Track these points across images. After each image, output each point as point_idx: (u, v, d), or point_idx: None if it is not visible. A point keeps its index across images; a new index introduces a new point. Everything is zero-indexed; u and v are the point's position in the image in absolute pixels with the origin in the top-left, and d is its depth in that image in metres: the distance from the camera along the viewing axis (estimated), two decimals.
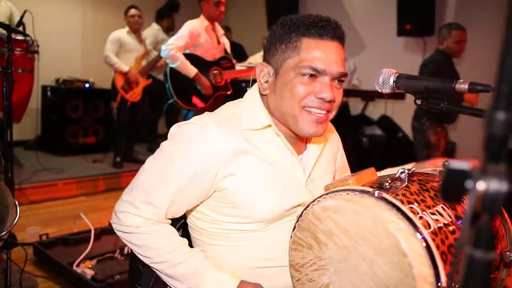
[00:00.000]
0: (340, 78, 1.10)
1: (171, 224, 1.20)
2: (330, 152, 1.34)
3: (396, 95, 4.96)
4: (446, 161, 1.12)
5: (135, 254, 1.19)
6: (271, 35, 1.15)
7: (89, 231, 2.68)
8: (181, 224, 1.28)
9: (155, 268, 1.15)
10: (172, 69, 3.75)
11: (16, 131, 5.26)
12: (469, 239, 0.47)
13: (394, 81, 1.11)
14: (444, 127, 3.74)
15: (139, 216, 1.13)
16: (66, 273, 2.38)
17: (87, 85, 5.79)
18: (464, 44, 3.75)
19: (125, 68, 4.83)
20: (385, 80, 1.12)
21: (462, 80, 1.02)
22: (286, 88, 1.09)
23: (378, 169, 1.25)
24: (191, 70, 3.64)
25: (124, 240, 1.18)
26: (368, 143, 5.52)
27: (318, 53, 1.05)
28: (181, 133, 1.12)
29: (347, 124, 5.36)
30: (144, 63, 5.02)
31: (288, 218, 1.16)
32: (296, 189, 1.16)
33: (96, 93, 5.83)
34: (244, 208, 1.12)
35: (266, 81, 1.14)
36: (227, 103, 1.23)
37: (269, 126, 1.15)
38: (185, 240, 1.18)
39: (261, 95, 1.18)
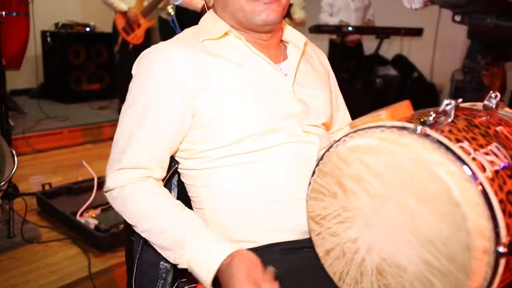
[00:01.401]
0: None
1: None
2: (315, 59, 1.23)
3: (413, 31, 4.65)
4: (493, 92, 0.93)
5: None
6: None
7: (93, 179, 2.58)
8: (174, 171, 1.14)
9: (146, 238, 1.02)
10: (178, 13, 3.46)
11: (19, 79, 5.12)
12: None
13: None
14: (502, 67, 3.25)
15: (126, 170, 1.02)
16: (69, 222, 2.29)
17: (87, 29, 5.55)
18: None
19: (123, 7, 4.57)
20: None
21: None
22: None
23: None
24: (197, 2, 3.37)
25: (117, 210, 1.05)
26: (382, 84, 5.27)
27: None
28: (139, 67, 1.06)
29: (360, 64, 5.09)
30: (145, 3, 4.75)
31: (283, 136, 1.04)
32: (282, 95, 1.06)
33: (98, 38, 5.59)
34: (228, 125, 1.01)
35: None
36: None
37: (229, 32, 1.07)
38: (172, 202, 1.02)
39: (214, 11, 1.13)
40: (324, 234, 0.86)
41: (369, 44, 5.26)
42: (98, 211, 2.35)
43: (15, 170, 2.11)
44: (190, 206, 1.14)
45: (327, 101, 1.17)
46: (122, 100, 4.49)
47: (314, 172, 0.86)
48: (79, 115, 4.70)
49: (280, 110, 1.04)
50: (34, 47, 4.44)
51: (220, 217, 1.06)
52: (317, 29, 4.63)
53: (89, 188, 2.59)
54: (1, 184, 2.05)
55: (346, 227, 0.81)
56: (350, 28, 4.57)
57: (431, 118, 0.72)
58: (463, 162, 0.66)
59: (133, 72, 1.06)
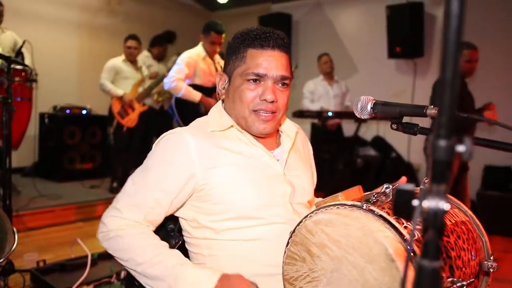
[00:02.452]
0: (283, 81, 1.25)
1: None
2: (303, 148, 1.46)
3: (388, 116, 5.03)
4: (426, 178, 1.15)
5: (131, 279, 1.24)
6: (227, 48, 1.32)
7: (86, 256, 2.69)
8: (179, 246, 1.31)
9: (136, 271, 1.18)
10: (177, 102, 3.84)
11: (13, 158, 5.28)
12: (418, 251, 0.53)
13: (371, 108, 1.17)
14: None
15: (122, 218, 1.21)
16: None
17: (84, 111, 5.85)
18: (475, 64, 3.68)
19: (119, 92, 4.92)
20: (363, 107, 1.18)
21: (432, 106, 1.06)
22: (236, 93, 1.25)
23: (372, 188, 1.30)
24: (195, 95, 3.75)
25: (108, 249, 1.23)
26: (362, 164, 5.59)
27: (260, 60, 1.22)
28: (160, 143, 1.26)
29: (341, 145, 5.44)
30: (140, 89, 5.10)
31: (275, 214, 1.22)
32: (274, 177, 1.26)
33: (93, 120, 5.89)
34: (227, 201, 1.20)
35: (224, 88, 1.32)
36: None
37: (232, 126, 1.27)
38: (163, 242, 1.22)
39: (222, 102, 1.35)
40: None
41: (348, 127, 5.66)
42: (91, 287, 2.45)
43: (15, 247, 2.24)
44: None
45: (310, 181, 1.41)
46: (114, 178, 4.70)
47: (288, 243, 1.07)
48: (71, 194, 4.84)
49: (272, 189, 1.25)
50: (33, 128, 4.67)
51: None
52: (300, 114, 5.01)
53: (82, 265, 2.70)
54: (1, 260, 2.16)
55: (314, 286, 1.00)
56: (330, 114, 4.96)
57: (373, 198, 0.96)
58: (397, 229, 0.88)
59: (154, 145, 1.28)
